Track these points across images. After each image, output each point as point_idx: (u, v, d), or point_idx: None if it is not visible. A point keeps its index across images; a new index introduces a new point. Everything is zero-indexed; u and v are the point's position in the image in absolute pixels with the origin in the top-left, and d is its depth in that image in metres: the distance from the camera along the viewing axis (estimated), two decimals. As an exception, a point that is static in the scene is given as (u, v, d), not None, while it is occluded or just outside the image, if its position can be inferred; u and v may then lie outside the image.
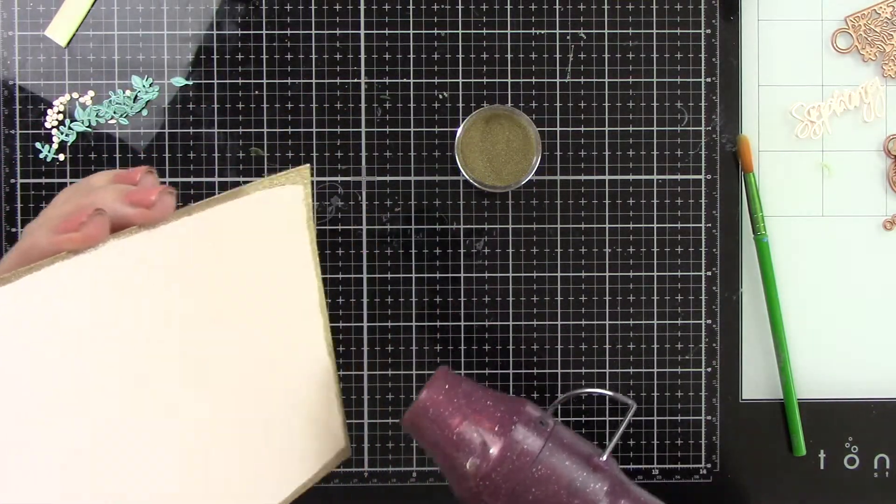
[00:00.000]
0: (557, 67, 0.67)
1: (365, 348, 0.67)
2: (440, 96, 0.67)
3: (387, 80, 0.66)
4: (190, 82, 0.66)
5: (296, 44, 0.66)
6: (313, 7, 0.66)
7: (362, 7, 0.66)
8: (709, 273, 0.67)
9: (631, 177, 0.67)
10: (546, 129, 0.67)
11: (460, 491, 0.52)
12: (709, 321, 0.67)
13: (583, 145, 0.67)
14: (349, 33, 0.66)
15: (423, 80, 0.66)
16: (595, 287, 0.67)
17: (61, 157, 0.66)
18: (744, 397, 0.68)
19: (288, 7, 0.66)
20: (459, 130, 0.64)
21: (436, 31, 0.66)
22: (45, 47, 0.66)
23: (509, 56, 0.67)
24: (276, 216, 0.45)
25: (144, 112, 0.66)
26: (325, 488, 0.67)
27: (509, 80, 0.67)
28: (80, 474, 0.36)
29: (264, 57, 0.66)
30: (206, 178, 0.66)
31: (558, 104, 0.67)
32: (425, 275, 0.67)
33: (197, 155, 0.66)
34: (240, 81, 0.66)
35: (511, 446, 0.51)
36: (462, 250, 0.67)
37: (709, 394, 0.67)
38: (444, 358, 0.67)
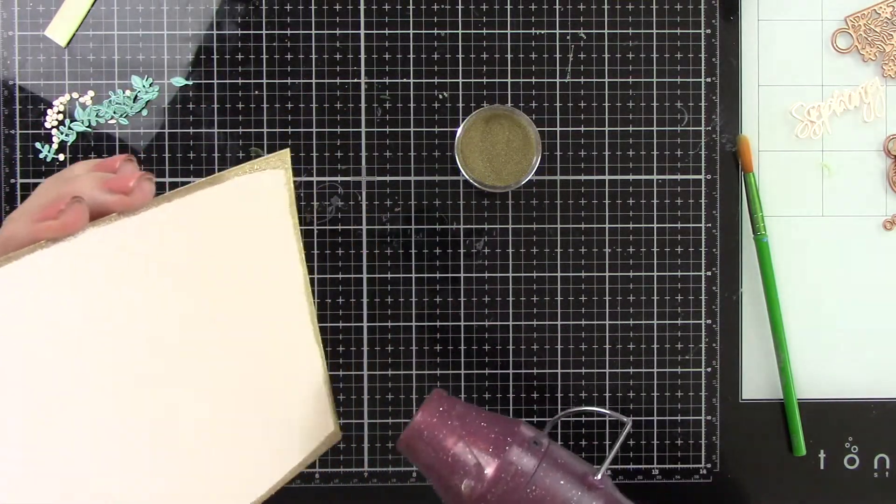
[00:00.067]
0: (557, 67, 0.67)
1: (365, 348, 0.67)
2: (440, 96, 0.67)
3: (387, 80, 0.66)
4: (190, 82, 0.66)
5: (296, 44, 0.66)
6: (313, 7, 0.66)
7: (362, 7, 0.66)
8: (709, 273, 0.67)
9: (631, 177, 0.67)
10: (546, 129, 0.67)
11: None
12: (709, 321, 0.67)
13: (583, 145, 0.67)
14: (349, 33, 0.66)
15: (423, 80, 0.66)
16: (595, 287, 0.67)
17: (61, 157, 0.66)
18: (744, 397, 0.68)
19: (288, 7, 0.66)
20: (459, 130, 0.64)
21: (436, 31, 0.66)
22: (45, 47, 0.66)
23: (509, 56, 0.67)
24: (257, 201, 0.45)
25: (144, 112, 0.66)
26: (325, 488, 0.67)
27: (509, 80, 0.67)
28: (61, 466, 0.36)
29: (264, 57, 0.66)
30: (206, 178, 0.66)
31: (558, 104, 0.67)
32: (425, 275, 0.67)
33: (197, 155, 0.66)
34: (240, 81, 0.66)
35: (505, 467, 0.52)
36: (462, 250, 0.67)
37: (709, 394, 0.67)
38: (444, 358, 0.67)
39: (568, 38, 0.67)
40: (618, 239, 0.67)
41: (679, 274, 0.67)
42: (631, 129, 0.67)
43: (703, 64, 0.67)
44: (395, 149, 0.66)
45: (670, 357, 0.67)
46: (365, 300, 0.66)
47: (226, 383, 0.44)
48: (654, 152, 0.67)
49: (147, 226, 0.38)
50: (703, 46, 0.67)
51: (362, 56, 0.66)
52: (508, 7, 0.67)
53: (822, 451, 0.68)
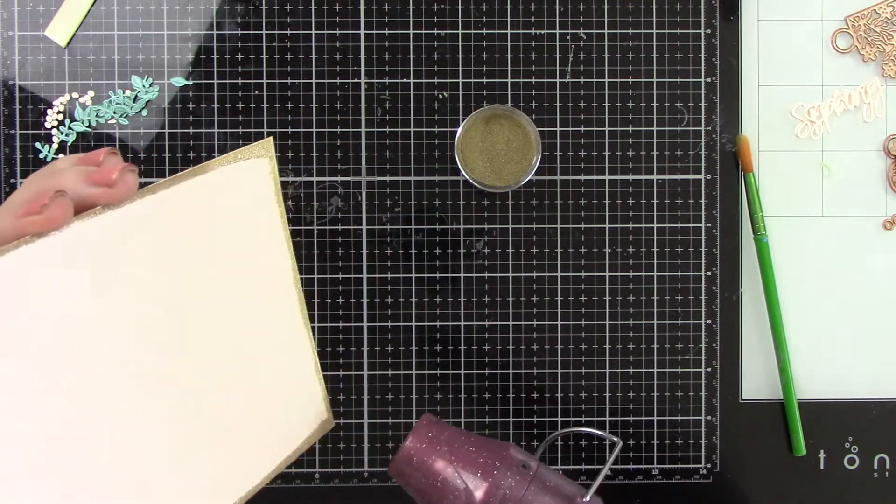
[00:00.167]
0: (557, 67, 0.67)
1: (365, 348, 0.67)
2: (440, 96, 0.67)
3: (387, 80, 0.66)
4: (190, 82, 0.66)
5: (296, 44, 0.66)
6: (313, 7, 0.66)
7: (362, 7, 0.66)
8: (709, 273, 0.67)
9: (631, 177, 0.67)
10: (546, 129, 0.67)
11: None
12: (709, 321, 0.67)
13: (583, 145, 0.67)
14: (349, 33, 0.66)
15: (423, 80, 0.66)
16: (595, 287, 0.67)
17: (61, 156, 0.66)
18: (744, 397, 0.68)
19: (288, 7, 0.66)
20: (459, 130, 0.64)
21: (436, 31, 0.66)
22: (45, 47, 0.66)
23: (509, 56, 0.67)
24: (242, 190, 0.45)
25: (144, 112, 0.66)
26: (325, 488, 0.67)
27: (509, 80, 0.67)
28: (52, 461, 0.36)
29: (264, 57, 0.66)
30: (206, 178, 0.66)
31: (558, 104, 0.67)
32: (425, 275, 0.67)
33: (197, 155, 0.66)
34: (240, 81, 0.66)
35: (494, 491, 0.53)
36: (462, 250, 0.67)
37: (709, 394, 0.67)
38: (444, 358, 0.67)
39: (568, 38, 0.67)
40: (618, 239, 0.67)
41: (679, 274, 0.67)
42: (631, 129, 0.67)
43: (703, 64, 0.67)
44: (395, 149, 0.66)
45: (670, 357, 0.67)
46: (365, 300, 0.66)
47: (216, 373, 0.44)
48: (654, 152, 0.67)
49: (132, 218, 0.38)
50: (703, 46, 0.67)
51: (362, 56, 0.66)
52: (508, 7, 0.67)
53: (822, 451, 0.68)
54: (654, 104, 0.67)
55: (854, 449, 0.68)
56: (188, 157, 0.66)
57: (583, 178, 0.67)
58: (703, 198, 0.67)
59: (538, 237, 0.67)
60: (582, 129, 0.67)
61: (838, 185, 0.68)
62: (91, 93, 0.66)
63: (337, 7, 0.66)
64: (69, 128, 0.66)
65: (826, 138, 0.68)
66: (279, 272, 0.48)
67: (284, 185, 0.66)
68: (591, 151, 0.67)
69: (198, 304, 0.42)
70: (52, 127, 0.66)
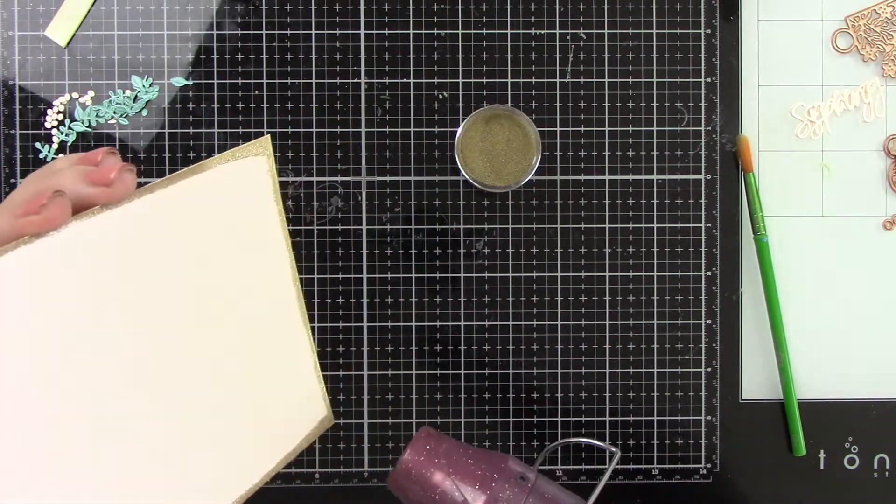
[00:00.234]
0: (557, 67, 0.67)
1: (365, 348, 0.67)
2: (440, 96, 0.67)
3: (387, 80, 0.66)
4: (190, 82, 0.66)
5: (296, 44, 0.66)
6: (313, 7, 0.66)
7: (362, 7, 0.66)
8: (709, 273, 0.67)
9: (631, 177, 0.67)
10: (546, 129, 0.67)
11: None
12: (709, 321, 0.67)
13: (583, 145, 0.67)
14: (349, 33, 0.66)
15: (423, 80, 0.66)
16: (595, 287, 0.67)
17: (61, 156, 0.66)
18: (744, 397, 0.68)
19: (288, 7, 0.66)
20: (459, 130, 0.64)
21: (436, 31, 0.66)
22: (45, 47, 0.66)
23: (509, 56, 0.67)
24: (241, 189, 0.45)
25: (144, 112, 0.66)
26: (325, 488, 0.67)
27: (509, 80, 0.67)
28: (51, 462, 0.36)
29: (264, 57, 0.66)
30: (206, 178, 0.66)
31: (558, 104, 0.67)
32: (425, 275, 0.67)
33: (197, 155, 0.66)
34: (240, 81, 0.66)
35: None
36: (462, 250, 0.67)
37: (709, 394, 0.67)
38: (444, 358, 0.67)
39: (568, 38, 0.67)
40: (618, 239, 0.67)
41: (679, 274, 0.67)
42: (631, 129, 0.67)
43: (703, 64, 0.67)
44: (395, 149, 0.66)
45: (670, 357, 0.67)
46: (365, 300, 0.66)
47: (215, 371, 0.44)
48: (654, 152, 0.67)
49: (130, 217, 0.38)
50: (703, 46, 0.67)
51: (362, 56, 0.66)
52: (508, 7, 0.67)
53: (822, 451, 0.68)
54: (654, 104, 0.67)
55: (854, 449, 0.68)
56: (188, 157, 0.66)
57: (583, 178, 0.67)
58: (703, 198, 0.67)
59: (538, 237, 0.67)
60: (582, 129, 0.67)
61: (838, 185, 0.68)
62: (91, 93, 0.66)
63: (337, 7, 0.66)
64: (69, 128, 0.66)
65: (826, 138, 0.68)
66: (277, 270, 0.48)
67: (284, 184, 0.66)
68: (591, 151, 0.67)
69: (196, 303, 0.42)
70: (52, 127, 0.66)
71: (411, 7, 0.66)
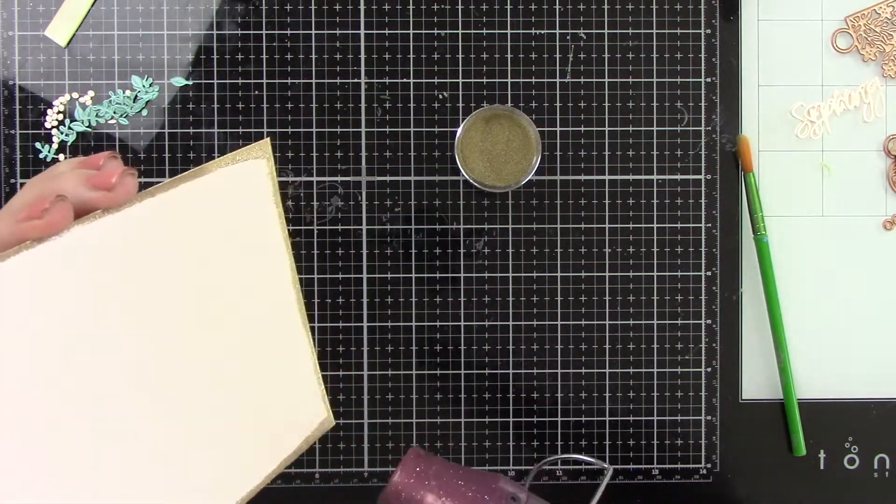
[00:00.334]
0: (557, 67, 0.67)
1: (365, 348, 0.67)
2: (440, 96, 0.67)
3: (387, 80, 0.66)
4: (190, 82, 0.66)
5: (296, 44, 0.66)
6: (313, 7, 0.66)
7: (362, 7, 0.66)
8: (709, 273, 0.67)
9: (631, 177, 0.67)
10: (546, 129, 0.67)
11: None
12: (709, 321, 0.67)
13: (583, 145, 0.67)
14: (349, 33, 0.66)
15: (423, 80, 0.66)
16: (595, 287, 0.67)
17: (61, 157, 0.66)
18: (744, 397, 0.68)
19: (288, 7, 0.66)
20: (459, 130, 0.64)
21: (436, 31, 0.66)
22: (45, 47, 0.66)
23: (509, 56, 0.67)
24: (240, 192, 0.45)
25: (144, 112, 0.66)
26: (325, 488, 0.67)
27: (509, 80, 0.67)
28: (53, 467, 0.36)
29: (264, 57, 0.66)
30: (206, 178, 0.66)
31: (558, 104, 0.67)
32: (425, 275, 0.67)
33: (197, 155, 0.66)
34: (240, 81, 0.66)
35: None
36: (462, 250, 0.67)
37: (709, 394, 0.67)
38: (444, 358, 0.67)
39: (568, 38, 0.67)
40: (618, 239, 0.67)
41: (679, 274, 0.67)
42: (631, 129, 0.67)
43: (703, 64, 0.67)
44: (395, 149, 0.66)
45: (670, 357, 0.67)
46: (365, 300, 0.67)
47: (216, 373, 0.44)
48: (654, 152, 0.67)
49: (132, 221, 0.38)
50: (703, 46, 0.67)
51: (362, 56, 0.66)
52: (508, 7, 0.67)
53: (822, 451, 0.68)
54: (654, 104, 0.67)
55: (854, 449, 0.68)
56: (188, 157, 0.66)
57: (583, 178, 0.67)
58: (703, 198, 0.67)
59: (538, 237, 0.67)
60: (582, 129, 0.67)
61: (838, 185, 0.68)
62: (91, 93, 0.66)
63: (337, 7, 0.66)
64: (69, 128, 0.66)
65: (826, 138, 0.68)
66: (277, 273, 0.49)
67: (284, 185, 0.66)
68: (591, 151, 0.67)
69: (197, 305, 0.42)
70: (52, 127, 0.66)
71: (411, 7, 0.66)
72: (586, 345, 0.67)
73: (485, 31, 0.67)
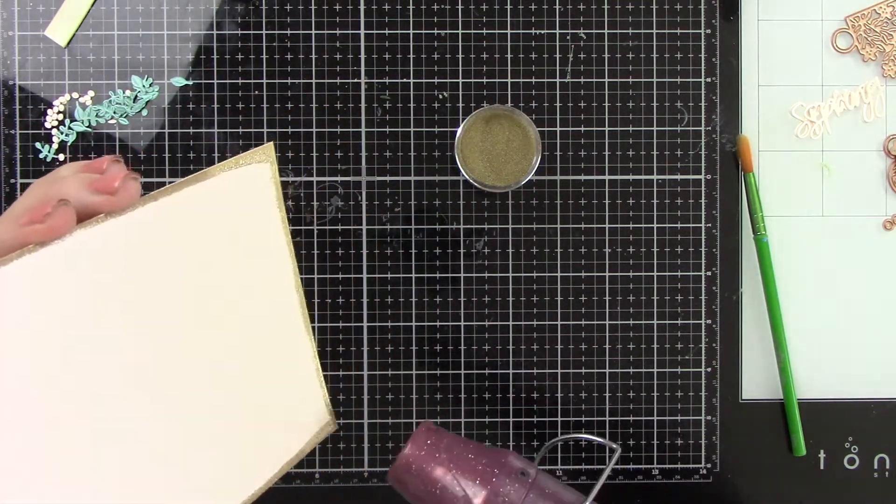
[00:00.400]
0: (557, 67, 0.67)
1: (365, 348, 0.67)
2: (440, 96, 0.67)
3: (387, 80, 0.66)
4: (190, 82, 0.66)
5: (296, 44, 0.66)
6: (313, 7, 0.66)
7: (362, 7, 0.66)
8: (709, 273, 0.67)
9: (631, 177, 0.67)
10: (546, 129, 0.67)
11: None
12: (709, 321, 0.67)
13: (583, 145, 0.67)
14: (349, 33, 0.66)
15: (423, 80, 0.66)
16: (595, 287, 0.67)
17: (61, 157, 0.66)
18: (744, 397, 0.68)
19: (288, 7, 0.66)
20: (459, 130, 0.64)
21: (436, 31, 0.66)
22: (45, 47, 0.66)
23: (509, 56, 0.67)
24: (244, 196, 0.45)
25: (144, 112, 0.66)
26: (325, 488, 0.67)
27: (509, 80, 0.67)
28: (55, 469, 0.36)
29: (264, 57, 0.66)
30: (206, 178, 0.66)
31: (558, 104, 0.67)
32: (425, 275, 0.67)
33: (197, 155, 0.66)
34: (240, 81, 0.66)
35: (493, 499, 0.53)
36: (462, 250, 0.67)
37: (709, 394, 0.67)
38: (444, 358, 0.67)
39: (568, 38, 0.67)
40: (618, 239, 0.67)
41: (679, 274, 0.67)
42: (631, 129, 0.67)
43: (703, 64, 0.67)
44: (395, 149, 0.66)
45: (670, 357, 0.67)
46: (365, 300, 0.67)
47: (218, 378, 0.44)
48: (654, 152, 0.67)
49: (134, 225, 0.38)
50: (703, 46, 0.67)
51: (362, 56, 0.66)
52: (508, 7, 0.67)
53: (822, 451, 0.68)
54: (654, 104, 0.67)
55: (854, 449, 0.68)
56: (188, 158, 0.66)
57: (583, 178, 0.67)
58: (703, 198, 0.67)
59: (538, 237, 0.67)
60: (582, 129, 0.67)
61: (838, 185, 0.68)
62: (91, 93, 0.66)
63: (337, 7, 0.66)
64: (69, 128, 0.66)
65: (826, 138, 0.68)
66: (280, 277, 0.49)
67: (284, 185, 0.66)
68: (591, 151, 0.67)
69: (199, 309, 0.43)
70: (52, 127, 0.66)
71: (411, 7, 0.66)
72: (586, 345, 0.67)
73: (485, 31, 0.67)
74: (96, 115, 0.66)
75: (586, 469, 0.67)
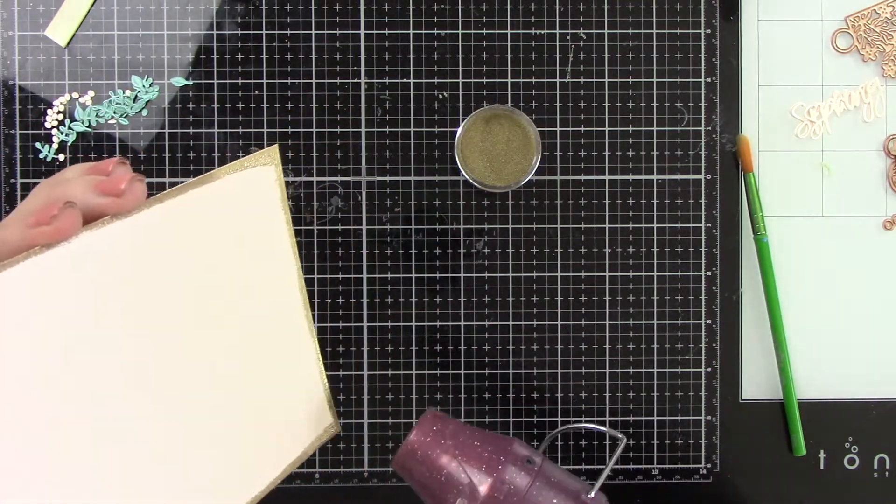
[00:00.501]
0: (557, 67, 0.67)
1: (365, 348, 0.67)
2: (440, 96, 0.67)
3: (387, 80, 0.66)
4: (190, 82, 0.66)
5: (296, 44, 0.66)
6: (313, 7, 0.66)
7: (362, 7, 0.66)
8: (709, 273, 0.67)
9: (631, 177, 0.67)
10: (546, 129, 0.67)
11: None
12: (709, 321, 0.67)
13: (583, 145, 0.67)
14: (349, 33, 0.66)
15: (423, 80, 0.66)
16: (595, 287, 0.67)
17: (61, 157, 0.66)
18: (744, 397, 0.68)
19: (288, 7, 0.66)
20: (459, 130, 0.64)
21: (436, 31, 0.66)
22: (45, 47, 0.66)
23: (509, 56, 0.67)
24: (249, 198, 0.45)
25: (144, 112, 0.66)
26: (325, 488, 0.67)
27: (509, 80, 0.67)
28: (58, 469, 0.36)
29: (264, 57, 0.66)
30: (206, 178, 0.66)
31: (558, 104, 0.67)
32: (425, 275, 0.67)
33: (197, 155, 0.66)
34: (240, 81, 0.66)
35: (498, 486, 0.52)
36: (462, 250, 0.67)
37: (709, 394, 0.67)
38: (444, 358, 0.67)
39: (568, 38, 0.67)
40: (618, 239, 0.67)
41: (679, 274, 0.67)
42: (631, 129, 0.67)
43: (703, 64, 0.67)
44: (395, 149, 0.66)
45: (670, 357, 0.67)
46: (365, 300, 0.67)
47: (222, 380, 0.44)
48: (654, 152, 0.67)
49: (140, 227, 0.38)
50: (703, 46, 0.67)
51: (362, 56, 0.66)
52: (508, 7, 0.67)
53: (822, 451, 0.68)
54: (654, 104, 0.67)
55: (854, 449, 0.68)
56: (188, 158, 0.66)
57: (583, 178, 0.67)
58: (703, 198, 0.67)
59: (538, 237, 0.67)
60: (582, 129, 0.67)
61: (838, 185, 0.68)
62: (91, 93, 0.66)
63: (337, 7, 0.66)
64: (69, 128, 0.66)
65: (826, 138, 0.68)
66: (284, 279, 0.49)
67: (285, 185, 0.66)
68: (591, 151, 0.67)
69: (204, 312, 0.43)
70: (52, 127, 0.66)
71: (411, 7, 0.66)
72: (586, 345, 0.67)
73: (485, 31, 0.67)
74: (96, 115, 0.66)
75: (586, 470, 0.67)
